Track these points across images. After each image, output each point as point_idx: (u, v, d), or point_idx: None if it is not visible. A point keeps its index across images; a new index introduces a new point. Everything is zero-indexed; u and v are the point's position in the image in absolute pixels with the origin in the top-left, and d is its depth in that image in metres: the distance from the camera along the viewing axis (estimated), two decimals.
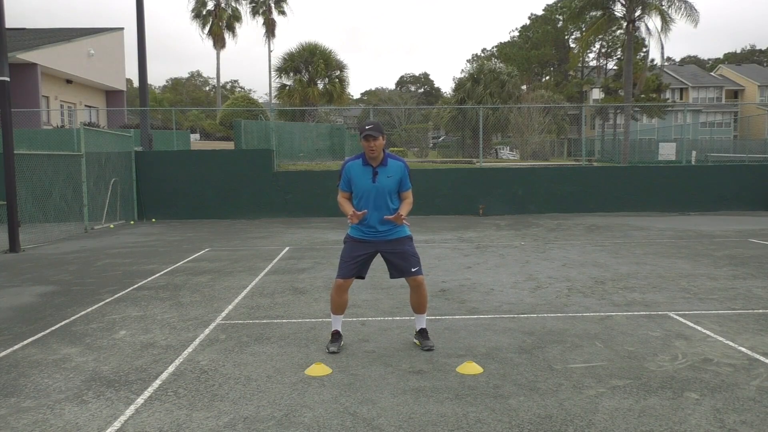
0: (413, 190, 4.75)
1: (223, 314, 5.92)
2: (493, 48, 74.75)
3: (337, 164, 23.44)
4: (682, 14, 27.18)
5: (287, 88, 33.61)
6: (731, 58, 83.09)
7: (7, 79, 10.44)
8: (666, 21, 27.33)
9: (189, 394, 3.85)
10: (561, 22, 64.80)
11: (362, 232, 4.60)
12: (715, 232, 12.19)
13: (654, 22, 29.02)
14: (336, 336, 4.75)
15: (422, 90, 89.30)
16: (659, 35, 27.93)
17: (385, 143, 4.51)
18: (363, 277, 4.74)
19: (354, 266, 4.59)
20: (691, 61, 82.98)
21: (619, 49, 51.90)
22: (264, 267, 8.62)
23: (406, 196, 4.63)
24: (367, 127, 4.37)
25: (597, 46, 55.67)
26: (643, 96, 42.82)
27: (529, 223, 14.50)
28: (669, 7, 27.55)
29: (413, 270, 4.58)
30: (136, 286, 7.39)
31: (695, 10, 27.06)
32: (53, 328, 5.48)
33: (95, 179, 14.18)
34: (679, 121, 49.21)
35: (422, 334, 4.78)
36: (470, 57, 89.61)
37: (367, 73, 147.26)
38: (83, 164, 13.32)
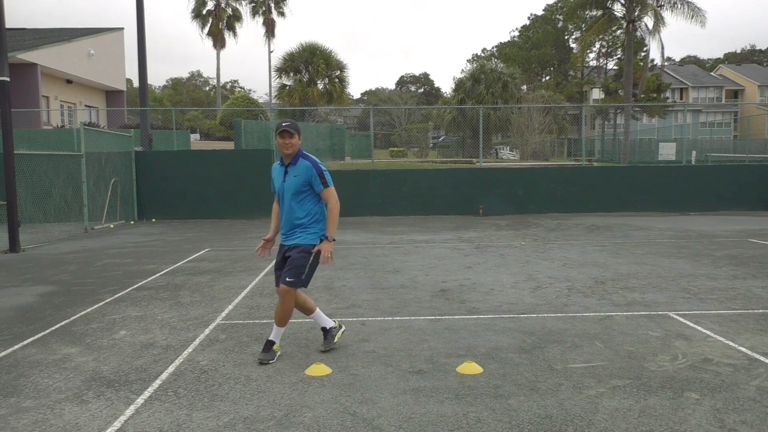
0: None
1: (223, 314, 5.92)
2: (493, 48, 74.79)
3: (338, 164, 23.48)
4: (686, 14, 27.16)
5: (287, 88, 33.62)
6: (731, 58, 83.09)
7: (7, 79, 10.44)
8: (659, 21, 27.33)
9: (189, 394, 3.85)
10: (561, 22, 64.83)
11: (282, 235, 4.54)
12: (715, 232, 12.19)
13: (647, 22, 28.94)
14: (325, 332, 4.73)
15: (422, 90, 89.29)
16: (659, 35, 27.96)
17: (300, 144, 4.42)
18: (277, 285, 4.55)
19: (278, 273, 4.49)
20: (691, 61, 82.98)
21: (619, 49, 51.89)
22: (264, 267, 8.62)
23: (324, 197, 4.39)
24: (284, 124, 4.33)
25: (597, 46, 55.67)
26: (643, 96, 42.82)
27: (529, 223, 14.50)
28: (671, 7, 27.52)
29: (287, 279, 4.32)
30: (136, 286, 7.39)
31: (700, 9, 27.03)
32: (53, 328, 5.48)
33: (95, 179, 14.18)
34: (679, 121, 49.22)
35: (267, 344, 4.50)
36: (470, 57, 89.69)
37: (367, 74, 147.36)
38: (83, 164, 13.32)
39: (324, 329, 4.75)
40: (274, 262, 4.64)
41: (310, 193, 4.39)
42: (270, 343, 4.50)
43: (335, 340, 4.73)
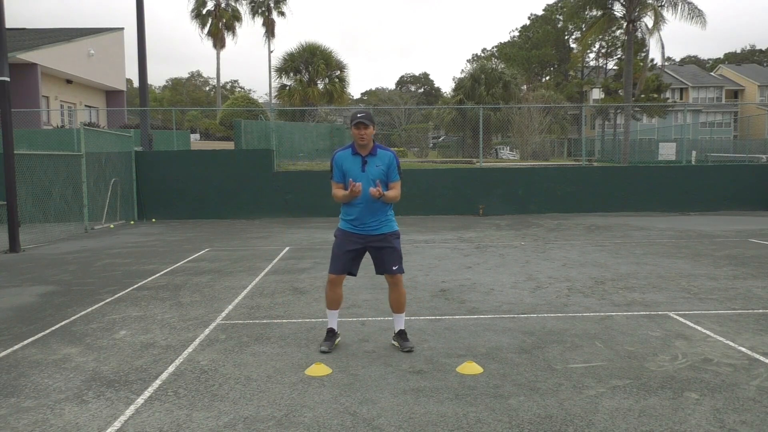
0: (406, 189, 4.73)
1: (223, 314, 5.92)
2: (493, 48, 74.78)
3: None
4: (686, 15, 27.14)
5: (287, 88, 33.62)
6: (731, 58, 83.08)
7: (7, 79, 10.44)
8: (659, 21, 27.32)
9: (189, 394, 3.85)
10: (561, 22, 64.82)
11: (352, 225, 4.59)
12: (715, 232, 12.19)
13: (647, 22, 28.93)
14: (330, 334, 4.75)
15: (422, 90, 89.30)
16: (659, 35, 27.96)
17: (374, 133, 4.50)
18: (354, 274, 4.73)
19: (345, 261, 4.60)
20: (691, 61, 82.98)
21: (619, 49, 51.88)
22: (264, 267, 8.62)
23: (394, 187, 4.58)
24: (359, 115, 4.37)
25: (597, 46, 55.66)
26: (643, 96, 42.82)
27: (529, 223, 14.50)
28: (672, 7, 27.50)
29: (394, 268, 4.59)
30: (136, 286, 7.39)
31: (701, 11, 27.01)
32: (53, 328, 5.48)
33: (95, 179, 14.18)
34: (679, 121, 49.22)
35: (401, 335, 4.73)
36: (470, 57, 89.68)
37: (367, 75, 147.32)
38: (83, 164, 13.32)
39: (331, 330, 4.76)
40: (337, 252, 4.63)
41: (386, 180, 4.51)
42: (403, 333, 4.72)
43: (334, 344, 4.73)
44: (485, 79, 38.00)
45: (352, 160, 4.51)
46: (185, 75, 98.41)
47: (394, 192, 4.56)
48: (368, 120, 4.38)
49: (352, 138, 4.47)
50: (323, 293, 6.76)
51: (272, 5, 48.06)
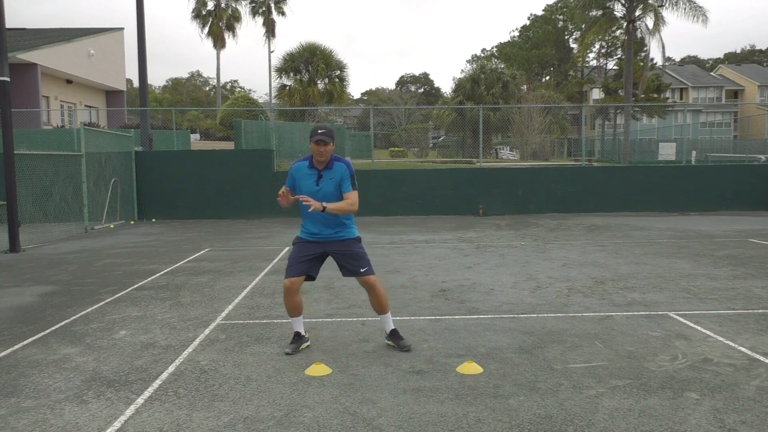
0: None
1: (223, 314, 5.92)
2: (493, 48, 74.77)
3: None
4: (687, 14, 27.12)
5: (287, 88, 33.61)
6: (731, 58, 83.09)
7: (7, 79, 10.44)
8: (659, 21, 27.31)
9: (189, 394, 3.85)
10: (561, 22, 64.81)
11: (310, 233, 4.60)
12: (715, 232, 12.19)
13: (647, 22, 28.93)
14: (296, 337, 4.74)
15: (422, 90, 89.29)
16: (659, 35, 27.94)
17: (333, 149, 4.49)
18: (314, 278, 4.70)
19: (302, 266, 4.57)
20: (691, 61, 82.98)
21: (619, 49, 51.88)
22: (264, 267, 8.62)
23: (348, 197, 4.49)
24: (319, 131, 4.36)
25: (597, 46, 55.67)
26: (643, 96, 42.82)
27: (529, 223, 14.50)
28: (673, 6, 27.48)
29: (362, 270, 4.57)
30: (136, 286, 7.39)
31: (701, 8, 26.96)
32: (53, 328, 5.48)
33: (95, 179, 14.18)
34: (679, 121, 49.20)
35: (394, 335, 4.73)
36: (470, 57, 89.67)
37: (367, 75, 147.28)
38: (83, 164, 13.32)
39: (296, 333, 4.76)
40: (293, 258, 4.61)
41: (337, 193, 4.49)
42: (395, 333, 4.73)
43: (298, 348, 4.69)
44: (485, 80, 38.00)
45: (307, 174, 4.51)
46: (185, 75, 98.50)
47: (345, 203, 4.46)
48: (328, 137, 4.37)
49: (311, 151, 4.45)
50: (323, 293, 6.77)
51: (272, 5, 48.06)
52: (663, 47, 30.19)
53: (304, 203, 4.31)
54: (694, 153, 26.91)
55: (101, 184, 14.53)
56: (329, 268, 8.32)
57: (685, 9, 27.09)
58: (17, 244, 10.54)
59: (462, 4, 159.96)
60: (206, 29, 46.73)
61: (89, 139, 13.85)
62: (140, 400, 3.75)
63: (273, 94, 38.42)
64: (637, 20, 28.66)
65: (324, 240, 4.58)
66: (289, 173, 4.63)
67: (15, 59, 22.14)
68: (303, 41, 40.09)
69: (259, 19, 48.53)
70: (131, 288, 7.27)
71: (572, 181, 16.86)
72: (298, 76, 33.35)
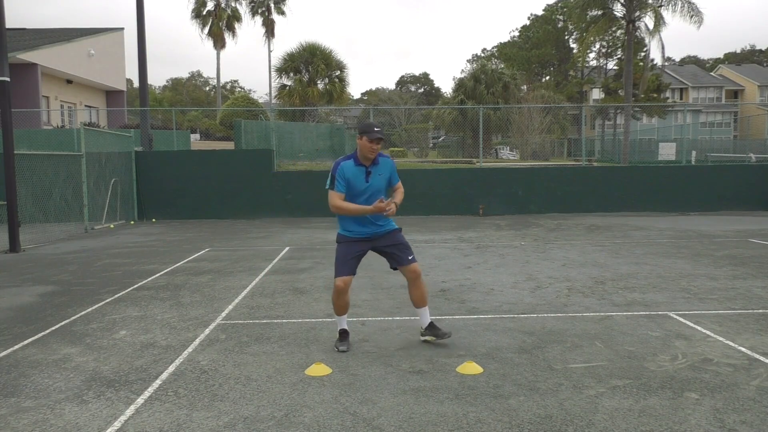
0: (406, 189, 5.02)
1: (223, 314, 5.92)
2: (493, 48, 74.77)
3: None
4: (685, 14, 27.11)
5: (287, 88, 33.62)
6: (731, 58, 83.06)
7: (7, 79, 10.44)
8: (659, 21, 27.30)
9: (189, 394, 3.85)
10: (561, 22, 64.79)
11: (359, 232, 4.63)
12: (715, 232, 12.19)
13: (647, 22, 28.92)
14: (344, 334, 4.77)
15: (422, 90, 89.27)
16: (659, 35, 27.94)
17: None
18: (354, 274, 4.74)
19: (352, 264, 4.63)
20: (691, 61, 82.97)
21: (619, 49, 51.87)
22: (264, 267, 8.62)
23: (398, 187, 4.80)
24: (376, 129, 4.46)
25: (597, 46, 55.66)
26: (643, 96, 42.80)
27: (529, 223, 14.50)
28: (672, 6, 27.46)
29: (410, 258, 4.67)
30: (136, 286, 7.39)
31: (699, 11, 26.98)
32: (53, 328, 5.48)
33: (95, 179, 14.18)
34: (679, 121, 49.21)
35: (433, 327, 4.79)
36: (470, 57, 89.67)
37: (367, 75, 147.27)
38: (83, 164, 13.32)
39: (342, 331, 4.79)
40: (342, 257, 4.63)
41: (387, 187, 4.72)
42: (433, 324, 4.78)
43: (349, 343, 4.77)
44: (485, 79, 38.00)
45: (356, 171, 4.56)
46: (185, 75, 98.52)
47: (401, 193, 4.75)
48: (383, 135, 4.53)
49: (359, 148, 4.50)
50: (323, 293, 6.77)
51: (272, 5, 48.05)
52: (663, 47, 30.20)
53: (387, 211, 4.41)
54: (694, 153, 26.91)
55: (101, 184, 14.53)
56: (329, 268, 8.34)
57: (681, 10, 27.08)
58: (17, 244, 10.54)
59: (462, 4, 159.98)
60: (206, 29, 46.70)
61: (89, 139, 13.85)
62: (140, 400, 3.75)
63: (273, 94, 38.43)
64: (637, 20, 28.65)
65: (371, 236, 4.65)
66: (337, 176, 4.56)
67: (15, 59, 22.14)
68: (303, 41, 40.06)
69: (259, 19, 48.55)
70: (131, 288, 7.27)
71: (572, 181, 16.86)
72: (297, 76, 33.35)
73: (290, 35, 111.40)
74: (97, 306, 6.35)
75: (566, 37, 65.53)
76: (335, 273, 4.62)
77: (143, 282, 7.62)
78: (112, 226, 14.63)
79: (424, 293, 4.76)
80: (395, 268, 4.75)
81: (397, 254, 4.67)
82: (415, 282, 4.70)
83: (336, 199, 4.58)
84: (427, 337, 4.82)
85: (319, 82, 33.49)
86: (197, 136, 39.84)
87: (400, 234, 4.76)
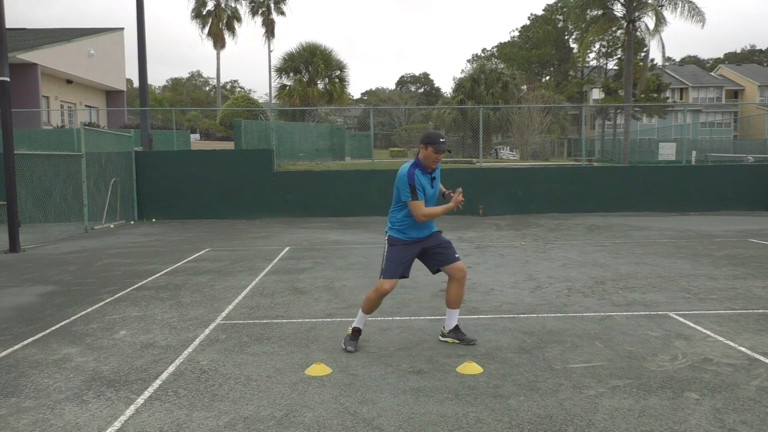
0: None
1: (223, 314, 5.92)
2: (493, 48, 74.76)
3: (338, 164, 23.43)
4: (686, 14, 27.10)
5: (287, 88, 33.63)
6: (731, 58, 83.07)
7: (7, 79, 10.44)
8: (659, 21, 27.29)
9: (189, 394, 3.85)
10: (561, 22, 64.79)
11: (415, 236, 4.69)
12: (715, 232, 12.19)
13: (647, 22, 28.91)
14: (357, 333, 4.77)
15: (422, 90, 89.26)
16: (659, 35, 27.93)
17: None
18: (408, 276, 4.79)
19: (403, 267, 4.66)
20: (691, 61, 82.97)
21: (619, 49, 51.86)
22: (264, 267, 8.62)
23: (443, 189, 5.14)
24: (442, 140, 4.61)
25: (597, 46, 55.65)
26: (643, 96, 42.80)
27: (529, 223, 14.50)
28: (672, 6, 27.44)
29: (456, 256, 4.75)
30: (136, 286, 7.39)
31: (700, 10, 26.96)
32: (53, 328, 5.48)
33: (95, 179, 14.18)
34: (679, 121, 49.19)
35: (459, 331, 4.84)
36: (470, 57, 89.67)
37: (367, 75, 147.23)
38: (83, 164, 13.32)
39: (357, 329, 4.77)
40: (397, 260, 4.65)
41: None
42: (458, 328, 4.84)
43: (357, 344, 4.77)
44: (485, 79, 37.99)
45: (426, 179, 4.77)
46: (185, 75, 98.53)
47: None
48: (448, 148, 4.74)
49: (424, 158, 4.65)
50: (323, 293, 6.77)
51: (272, 5, 48.05)
52: (663, 47, 30.17)
53: (460, 205, 4.66)
54: (694, 153, 26.91)
55: (101, 184, 14.53)
56: (329, 268, 8.34)
57: (682, 10, 27.06)
58: (17, 244, 10.54)
59: (462, 4, 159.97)
60: (206, 29, 46.70)
61: (89, 139, 13.85)
62: (140, 400, 3.76)
63: (273, 94, 38.44)
64: (637, 20, 28.64)
65: (423, 239, 4.73)
66: (417, 187, 4.66)
67: (15, 59, 22.14)
68: (303, 41, 40.09)
69: (259, 19, 48.55)
70: (131, 288, 7.27)
71: (572, 181, 16.85)
72: (297, 76, 33.38)
73: (290, 35, 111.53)
74: (97, 306, 6.35)
75: (566, 37, 65.53)
76: (385, 274, 4.59)
77: (143, 282, 7.62)
78: (112, 226, 14.63)
79: (462, 294, 4.81)
80: (437, 271, 4.79)
81: (445, 253, 4.74)
82: (461, 281, 4.74)
83: (421, 208, 4.67)
84: (448, 339, 4.84)
85: (319, 82, 33.52)
86: (197, 136, 39.80)
87: (441, 234, 4.88)
